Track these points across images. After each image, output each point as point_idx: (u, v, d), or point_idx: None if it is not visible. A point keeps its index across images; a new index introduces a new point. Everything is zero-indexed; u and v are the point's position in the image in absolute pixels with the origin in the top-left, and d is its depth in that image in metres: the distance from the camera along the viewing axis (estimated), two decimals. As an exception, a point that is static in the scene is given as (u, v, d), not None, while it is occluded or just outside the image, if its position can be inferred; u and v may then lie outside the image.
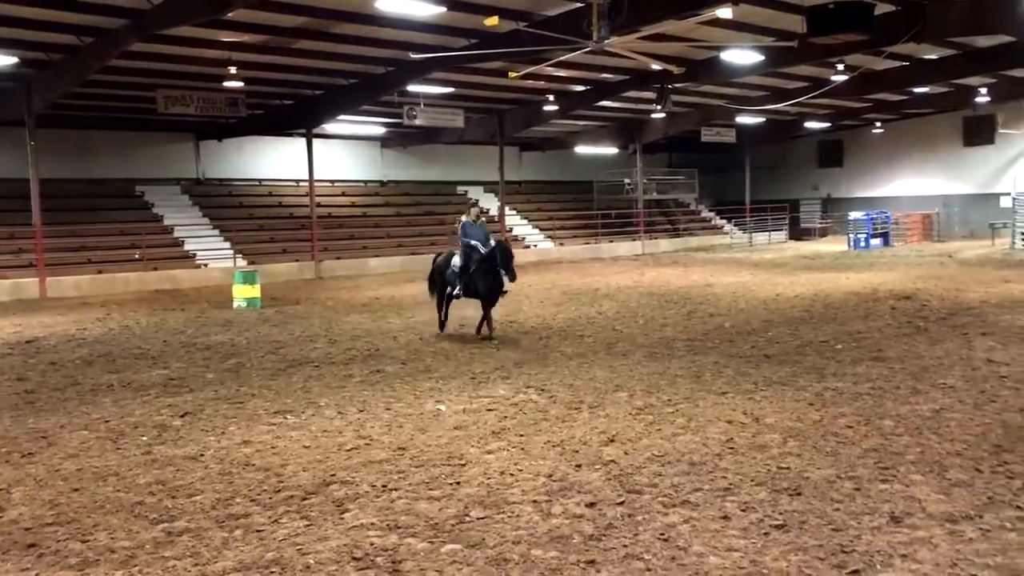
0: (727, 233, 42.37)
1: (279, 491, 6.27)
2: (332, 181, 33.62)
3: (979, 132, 39.00)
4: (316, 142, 29.60)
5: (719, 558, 4.82)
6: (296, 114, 28.27)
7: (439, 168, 36.64)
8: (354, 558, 5.02)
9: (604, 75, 26.49)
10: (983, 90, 32.10)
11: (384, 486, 6.29)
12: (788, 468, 6.38)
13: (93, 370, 11.64)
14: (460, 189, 37.52)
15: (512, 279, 13.44)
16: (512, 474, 6.47)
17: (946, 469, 6.26)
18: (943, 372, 9.80)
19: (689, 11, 15.05)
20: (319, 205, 30.09)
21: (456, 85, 25.96)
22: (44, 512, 5.96)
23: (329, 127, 30.21)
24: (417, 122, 27.62)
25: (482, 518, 5.58)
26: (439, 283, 14.09)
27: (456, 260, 13.79)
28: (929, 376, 9.60)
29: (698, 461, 6.63)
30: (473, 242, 13.63)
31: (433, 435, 7.69)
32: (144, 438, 7.97)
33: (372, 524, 5.54)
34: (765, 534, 5.14)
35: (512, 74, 17.52)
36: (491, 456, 6.97)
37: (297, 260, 28.39)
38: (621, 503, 5.75)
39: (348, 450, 7.31)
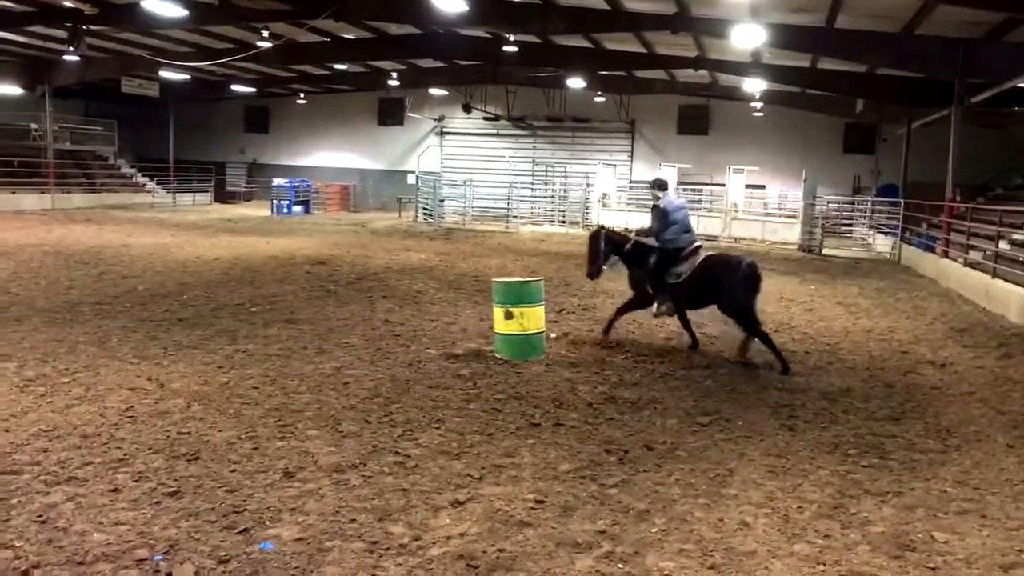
0: (149, 192, 40.38)
1: None
2: None
3: (389, 113, 42.76)
4: None
5: (104, 534, 4.53)
6: None
7: None
8: None
9: (4, 3, 23.23)
10: (394, 74, 35.21)
11: None
12: (189, 433, 6.27)
13: None
14: None
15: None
16: None
17: (340, 423, 6.70)
18: (347, 332, 10.49)
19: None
20: None
21: None
22: None
23: None
24: None
25: None
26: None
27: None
28: (335, 336, 10.21)
29: (92, 433, 6.17)
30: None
31: None
32: None
33: None
34: (157, 503, 4.97)
35: None
36: None
37: None
38: (-6, 487, 5.10)
39: None
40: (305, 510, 4.96)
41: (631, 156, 39.40)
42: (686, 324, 10.33)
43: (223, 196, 43.05)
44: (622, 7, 20.19)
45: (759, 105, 33.64)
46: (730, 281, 9.45)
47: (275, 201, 35.66)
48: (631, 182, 37.81)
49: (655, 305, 10.12)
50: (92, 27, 24.60)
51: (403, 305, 12.75)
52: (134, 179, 41.25)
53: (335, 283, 14.86)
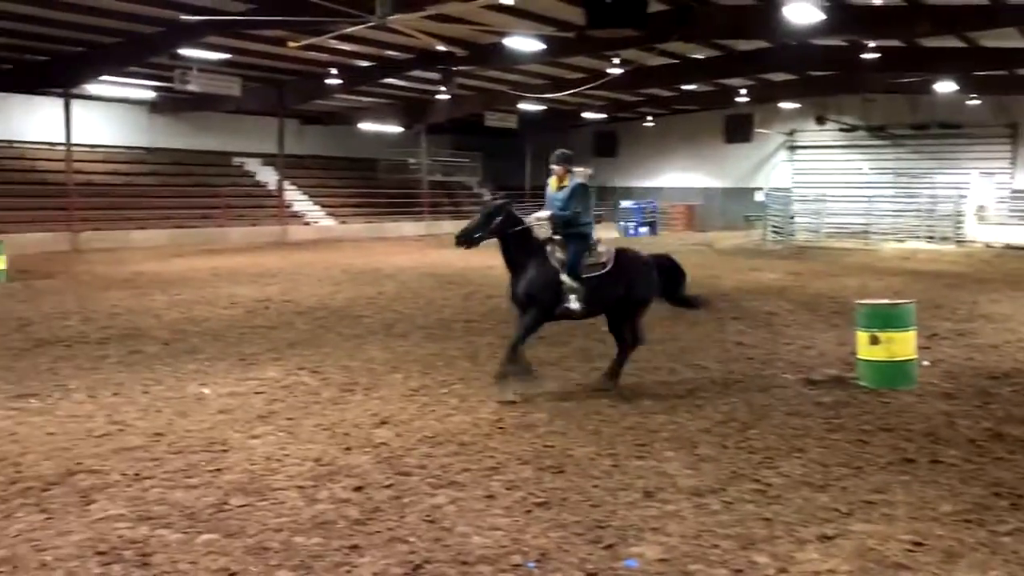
0: (508, 217, 43.29)
1: (15, 482, 5.72)
2: (92, 146, 31.09)
3: (739, 130, 42.05)
4: (75, 103, 27.32)
5: (482, 537, 4.88)
6: (53, 72, 25.89)
7: (214, 137, 34.78)
8: (98, 552, 4.66)
9: (389, 52, 26.19)
10: (743, 91, 34.62)
11: (136, 475, 5.89)
12: (553, 446, 6.58)
13: None
14: (236, 160, 35.92)
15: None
16: (278, 459, 6.26)
17: (696, 445, 6.67)
18: (699, 353, 10.45)
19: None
20: (77, 172, 27.80)
21: (233, 51, 24.77)
22: None
23: (91, 88, 27.96)
24: (190, 88, 26.10)
25: (243, 506, 5.35)
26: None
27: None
28: (686, 357, 10.21)
29: (468, 441, 6.70)
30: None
31: (194, 420, 7.30)
32: None
33: (121, 515, 5.18)
34: (528, 512, 5.26)
35: (292, 44, 16.94)
36: (256, 441, 6.71)
37: (51, 231, 26.10)
38: (389, 486, 5.70)
39: (98, 437, 6.79)
40: (667, 531, 4.99)
41: (1012, 163, 35.26)
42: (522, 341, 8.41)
43: (574, 219, 44.90)
44: (1003, 0, 18.22)
45: None
46: (650, 276, 8.72)
47: (622, 223, 36.57)
48: (1013, 192, 33.82)
49: (571, 300, 8.20)
50: (461, 68, 26.95)
51: (755, 327, 12.44)
52: (494, 205, 44.38)
53: (684, 303, 14.84)
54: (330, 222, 35.16)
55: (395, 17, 13.60)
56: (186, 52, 23.99)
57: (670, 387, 8.67)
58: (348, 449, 6.50)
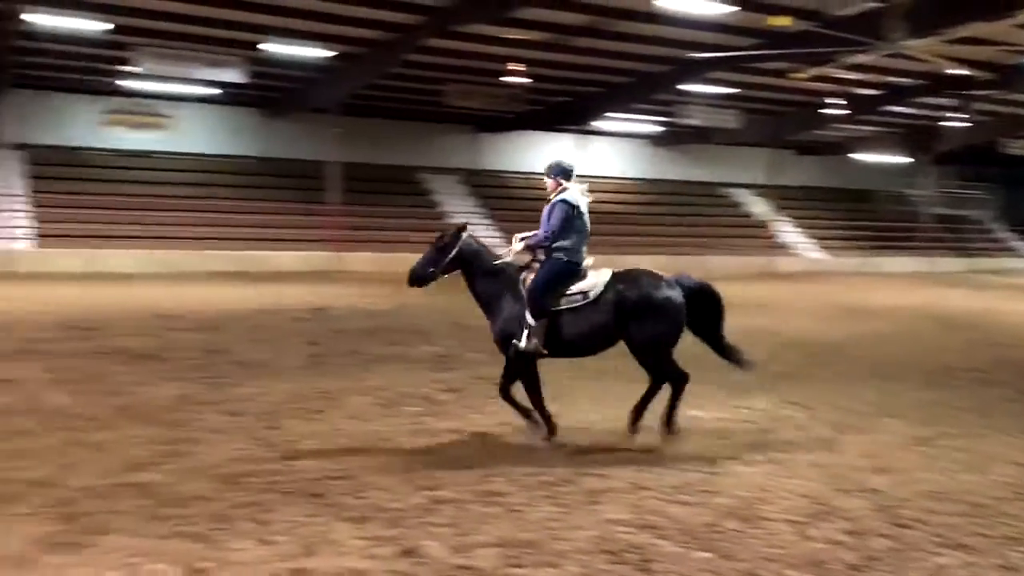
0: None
1: (535, 475, 6.48)
2: (601, 177, 33.96)
3: None
4: (585, 138, 30.18)
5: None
6: (570, 111, 28.92)
7: (707, 168, 35.96)
8: (605, 551, 5.09)
9: (896, 79, 24.83)
10: None
11: (637, 484, 6.33)
12: (1088, 524, 5.73)
13: (373, 341, 12.67)
14: (724, 191, 36.65)
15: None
16: (768, 490, 6.28)
17: None
18: None
19: (1004, 12, 13.75)
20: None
21: (733, 85, 25.41)
22: (328, 466, 6.56)
23: (599, 124, 30.65)
24: (690, 121, 27.33)
25: (735, 530, 5.47)
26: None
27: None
28: None
29: (979, 503, 6.09)
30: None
31: (689, 440, 7.61)
32: (413, 408, 8.56)
33: (624, 520, 5.59)
34: (1055, 594, 4.66)
35: (798, 75, 16.91)
36: (747, 469, 6.80)
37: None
38: (886, 535, 5.42)
39: (605, 444, 7.41)
40: None
41: None
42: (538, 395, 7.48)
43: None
44: None
45: None
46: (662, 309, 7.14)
47: None
48: None
49: (524, 337, 7.05)
50: (979, 92, 24.60)
51: None
52: (1008, 243, 39.69)
53: None
54: (819, 254, 34.24)
55: (911, 43, 12.88)
56: (687, 87, 25.20)
57: None
58: (841, 491, 6.30)
